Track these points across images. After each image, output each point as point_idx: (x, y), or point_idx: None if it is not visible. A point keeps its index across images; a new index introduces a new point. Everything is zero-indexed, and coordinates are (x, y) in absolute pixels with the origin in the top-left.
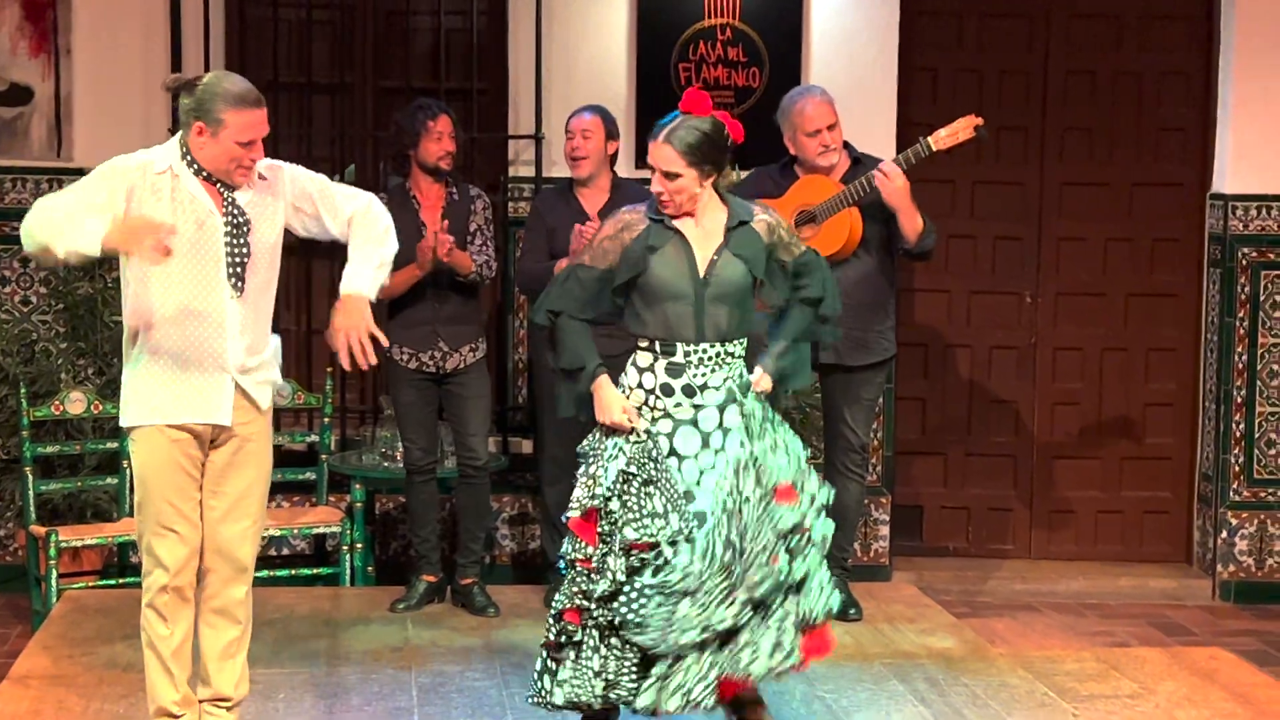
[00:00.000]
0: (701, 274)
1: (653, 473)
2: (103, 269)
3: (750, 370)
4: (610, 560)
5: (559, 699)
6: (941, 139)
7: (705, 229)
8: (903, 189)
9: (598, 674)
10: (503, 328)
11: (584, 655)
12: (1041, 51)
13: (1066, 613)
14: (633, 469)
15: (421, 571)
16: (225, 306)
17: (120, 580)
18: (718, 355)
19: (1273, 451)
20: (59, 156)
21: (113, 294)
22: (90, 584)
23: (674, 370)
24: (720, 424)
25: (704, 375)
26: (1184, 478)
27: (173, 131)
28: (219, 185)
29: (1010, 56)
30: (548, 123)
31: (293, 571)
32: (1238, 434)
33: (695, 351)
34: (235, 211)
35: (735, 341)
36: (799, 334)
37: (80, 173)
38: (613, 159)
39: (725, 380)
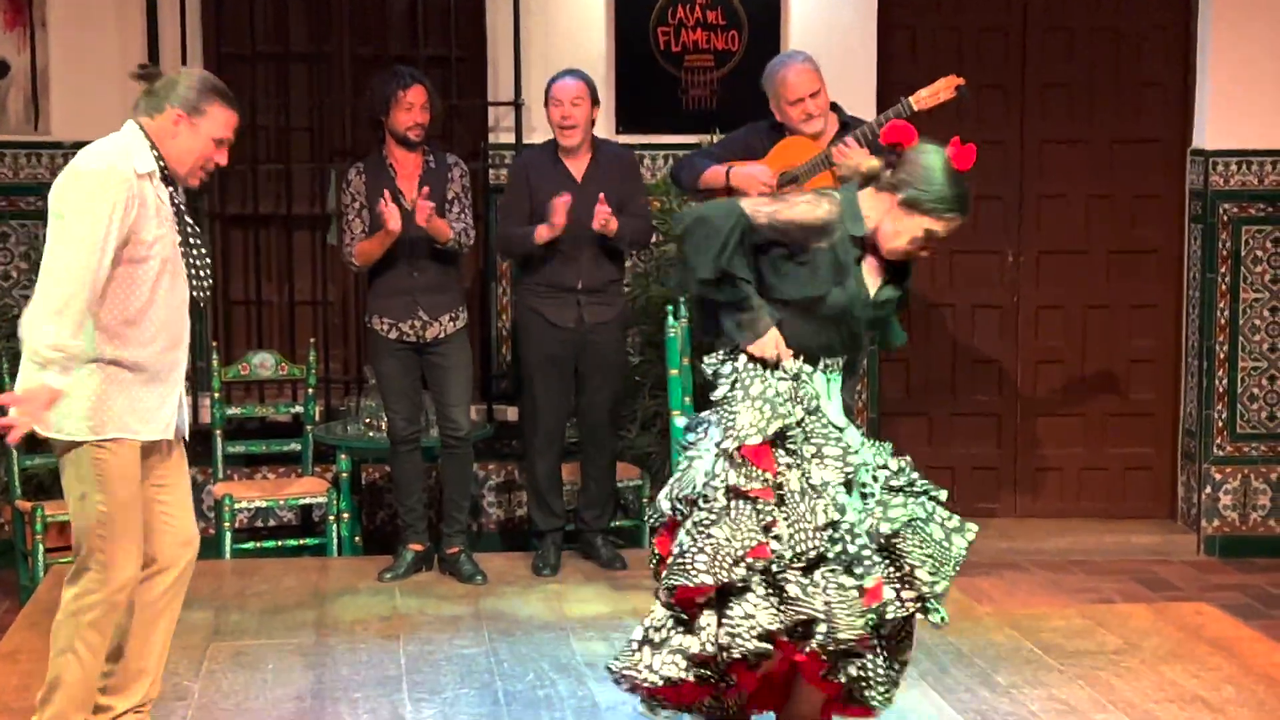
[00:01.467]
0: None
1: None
2: None
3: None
4: (819, 490)
5: (673, 668)
6: (922, 99)
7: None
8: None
9: (777, 614)
10: (486, 295)
11: (747, 601)
12: (1020, 8)
13: (1052, 570)
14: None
15: (408, 541)
16: (186, 318)
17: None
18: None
19: (1255, 406)
20: (36, 130)
21: None
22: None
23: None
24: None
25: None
26: (1167, 434)
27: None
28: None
29: (989, 14)
30: (527, 89)
31: (279, 543)
32: (1220, 389)
33: (829, 362)
34: (184, 212)
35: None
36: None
37: (57, 146)
38: (592, 123)
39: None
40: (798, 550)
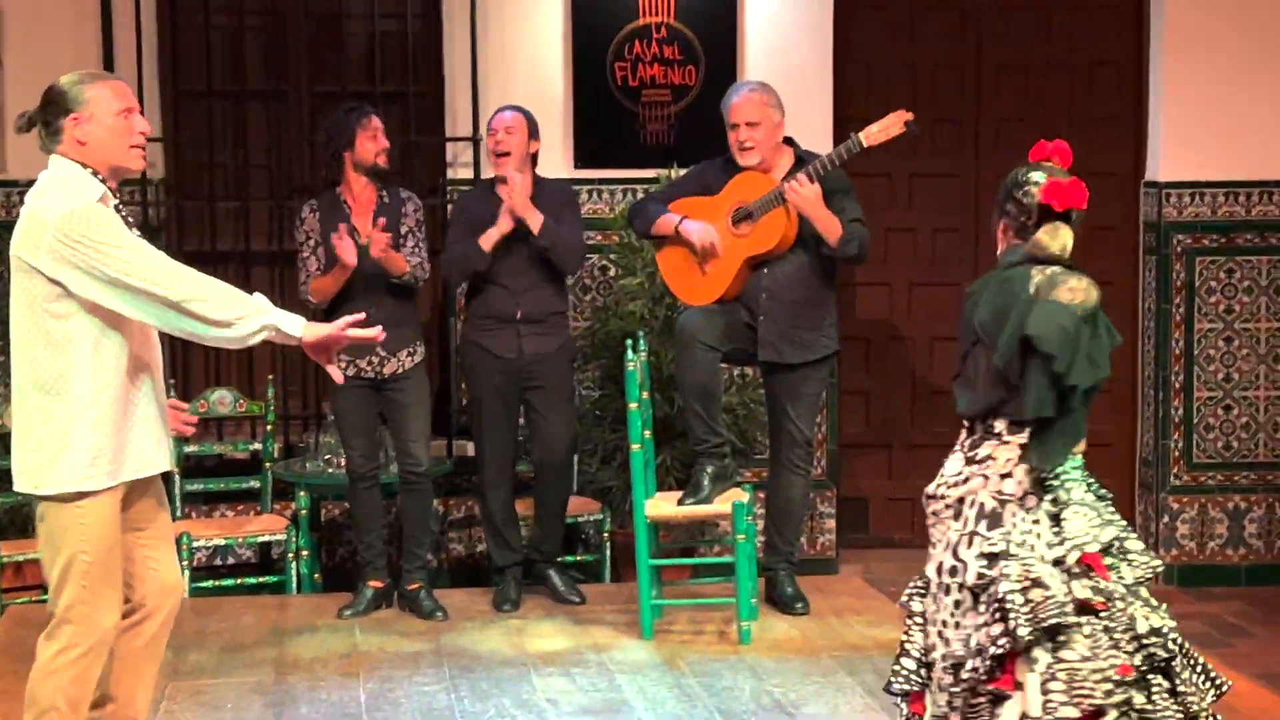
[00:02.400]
0: None
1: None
2: None
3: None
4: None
5: None
6: (872, 135)
7: None
8: (812, 198)
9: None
10: (445, 330)
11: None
12: (974, 44)
13: None
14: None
15: (368, 577)
16: (157, 341)
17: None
18: None
19: (1211, 436)
20: None
21: None
22: (34, 598)
23: None
24: None
25: None
26: (1125, 464)
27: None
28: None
29: (943, 49)
30: (484, 125)
31: (238, 580)
32: (1177, 420)
33: None
34: (132, 226)
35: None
36: None
37: (14, 184)
38: (534, 159)
39: None
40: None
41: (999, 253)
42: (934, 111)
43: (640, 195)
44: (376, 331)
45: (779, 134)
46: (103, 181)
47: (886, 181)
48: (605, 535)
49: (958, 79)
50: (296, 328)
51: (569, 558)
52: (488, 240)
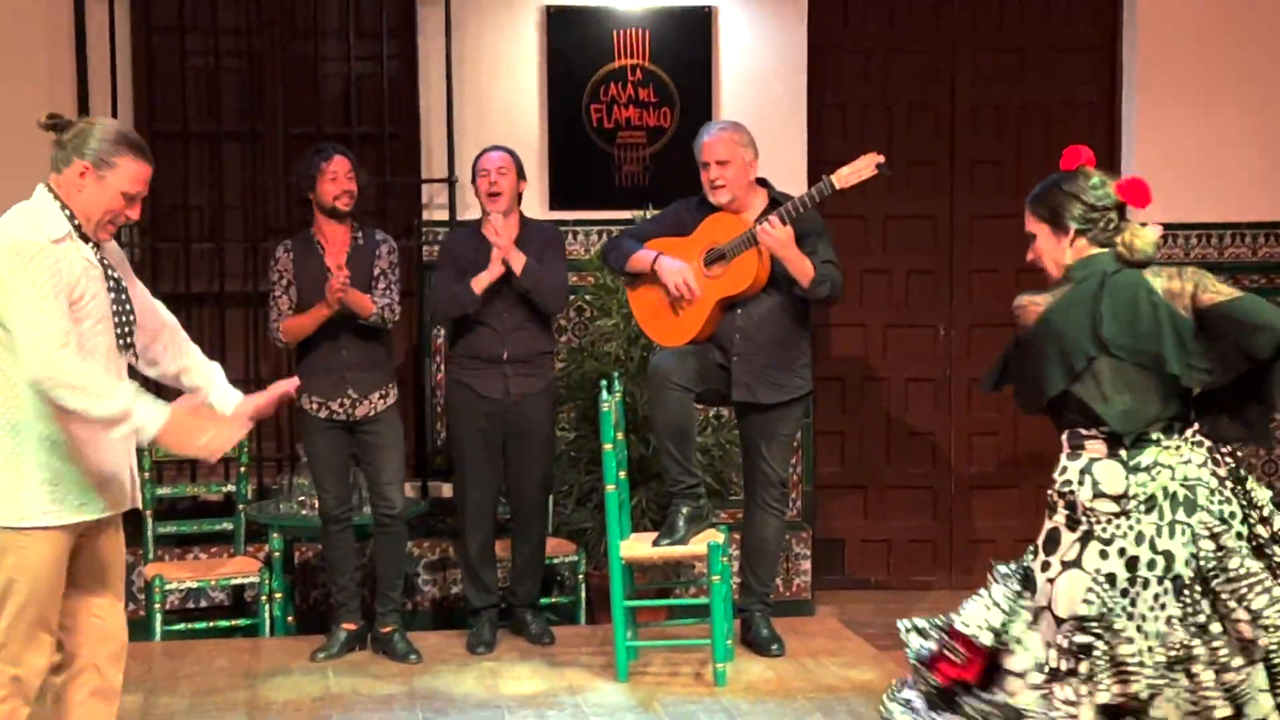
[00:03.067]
0: None
1: None
2: None
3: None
4: None
5: None
6: (844, 177)
7: None
8: (784, 240)
9: None
10: (420, 371)
11: None
12: (948, 87)
13: None
14: None
15: (342, 620)
16: (124, 374)
17: None
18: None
19: None
20: None
21: None
22: None
23: None
24: None
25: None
26: None
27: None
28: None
29: (918, 92)
30: (460, 166)
31: (210, 623)
32: None
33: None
34: (108, 267)
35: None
36: None
37: None
38: (519, 199)
39: None
40: None
41: (1064, 265)
42: (909, 153)
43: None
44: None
45: (751, 173)
46: (77, 226)
47: (862, 223)
48: (580, 577)
49: (932, 120)
50: (156, 424)
51: (544, 599)
52: (479, 283)
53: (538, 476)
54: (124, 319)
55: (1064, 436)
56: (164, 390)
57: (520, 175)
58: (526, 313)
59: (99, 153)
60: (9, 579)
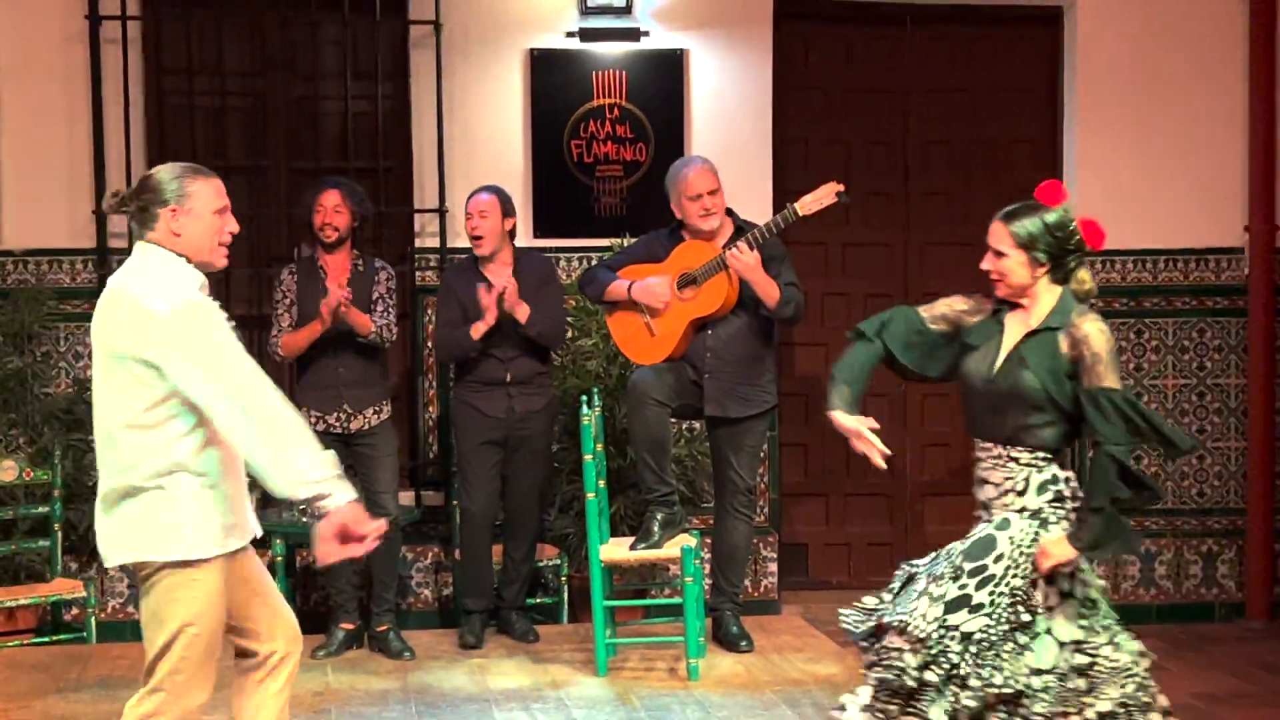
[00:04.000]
0: (994, 370)
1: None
2: (31, 344)
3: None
4: None
5: None
6: (807, 204)
7: (1025, 325)
8: (753, 264)
9: None
10: (414, 388)
11: None
12: (902, 123)
13: None
14: None
15: (339, 620)
16: None
17: (54, 638)
18: (998, 457)
19: None
20: None
21: (40, 367)
22: (25, 642)
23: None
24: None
25: (984, 471)
26: None
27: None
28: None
29: (875, 128)
30: (451, 197)
31: None
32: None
33: (983, 446)
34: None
35: (1021, 448)
36: (1099, 494)
37: (8, 254)
38: (511, 234)
39: (1004, 481)
40: None
41: (1029, 292)
42: (866, 185)
43: (595, 262)
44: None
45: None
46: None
47: (823, 250)
48: (563, 579)
49: (887, 155)
50: (341, 500)
51: (529, 600)
52: (477, 332)
53: (534, 487)
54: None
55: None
56: None
57: (506, 213)
58: (526, 342)
59: (173, 192)
60: (176, 615)
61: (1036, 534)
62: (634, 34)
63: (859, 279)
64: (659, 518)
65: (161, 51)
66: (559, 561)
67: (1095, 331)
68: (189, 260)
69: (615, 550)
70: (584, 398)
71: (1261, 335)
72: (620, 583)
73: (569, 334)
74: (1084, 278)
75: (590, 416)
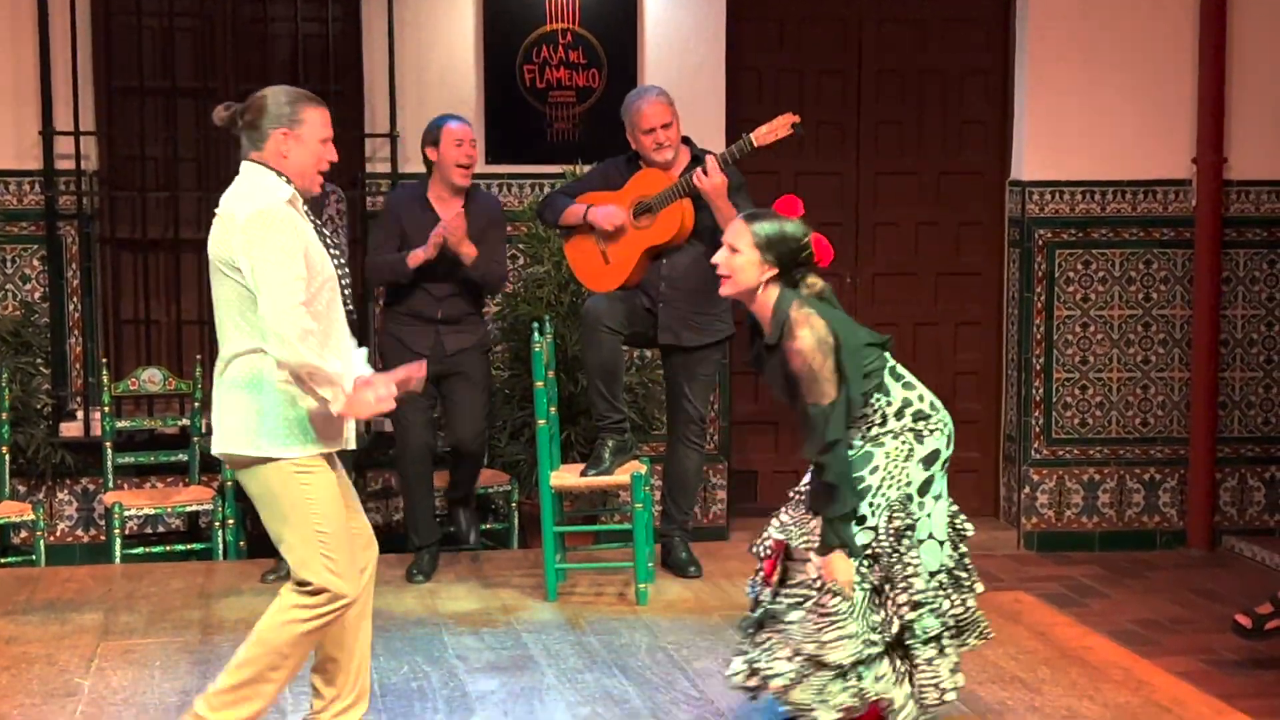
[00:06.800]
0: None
1: None
2: None
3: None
4: None
5: None
6: (762, 135)
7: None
8: (719, 186)
9: None
10: (363, 315)
11: None
12: (855, 53)
13: None
14: None
15: None
16: (346, 330)
17: (2, 560)
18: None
19: (1069, 414)
20: None
21: None
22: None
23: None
24: None
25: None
26: (990, 439)
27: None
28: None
29: (827, 58)
30: (402, 122)
31: (167, 548)
32: (1037, 399)
33: None
34: (323, 232)
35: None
36: (823, 506)
37: None
38: None
39: (862, 425)
40: None
41: (752, 292)
42: (818, 114)
43: (548, 189)
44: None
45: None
46: (293, 188)
47: (775, 178)
48: (513, 505)
49: (840, 85)
50: (337, 405)
51: (480, 526)
52: (414, 260)
53: (473, 422)
54: (343, 277)
55: None
56: None
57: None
58: (461, 280)
59: (288, 115)
60: (299, 515)
61: (911, 447)
62: None
63: (811, 209)
64: (610, 444)
65: None
66: (510, 488)
67: (807, 345)
68: (291, 180)
69: (566, 477)
70: (535, 325)
71: (1207, 267)
72: (570, 509)
73: (521, 261)
74: (813, 281)
75: (541, 344)
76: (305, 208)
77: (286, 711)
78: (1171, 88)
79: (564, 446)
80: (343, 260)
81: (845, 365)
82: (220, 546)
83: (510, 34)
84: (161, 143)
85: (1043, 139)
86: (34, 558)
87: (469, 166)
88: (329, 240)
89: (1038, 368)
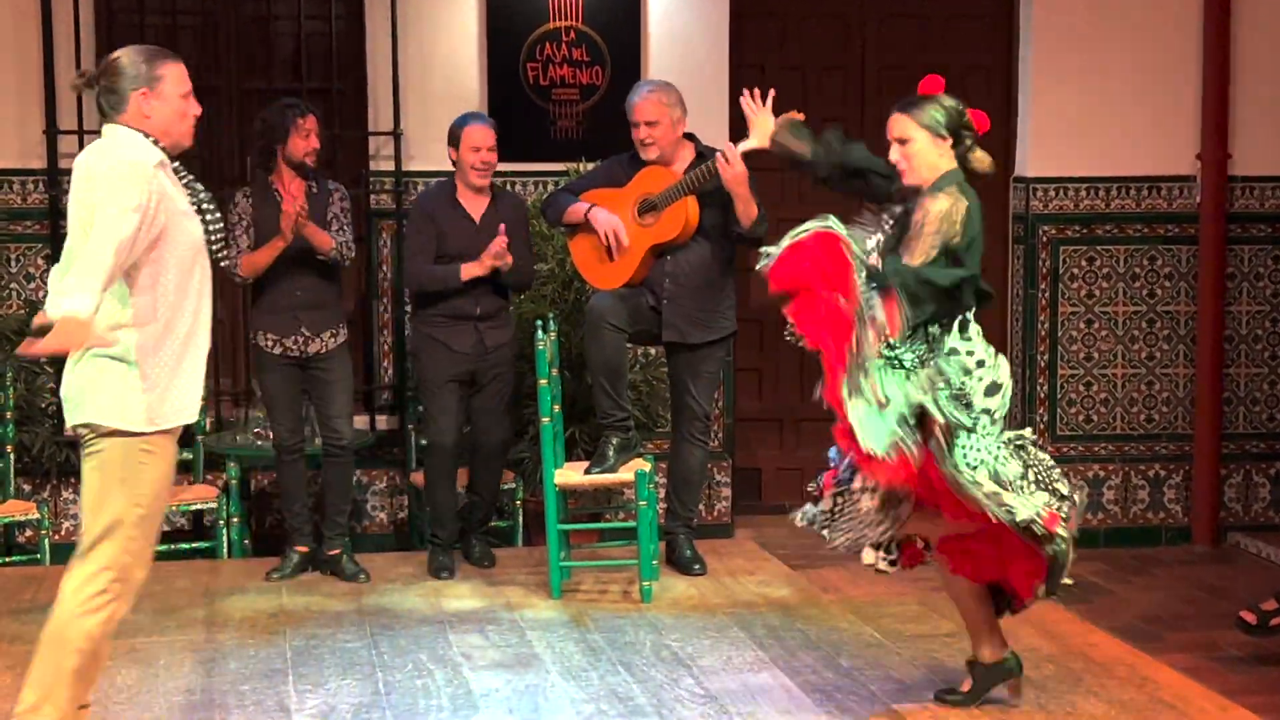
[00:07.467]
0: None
1: None
2: None
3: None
4: None
5: None
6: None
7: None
8: (742, 175)
9: None
10: (369, 313)
11: None
12: (858, 50)
13: None
14: None
15: (294, 543)
16: (211, 293)
17: (7, 559)
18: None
19: (1073, 410)
20: None
21: None
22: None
23: None
24: None
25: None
26: None
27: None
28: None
29: (830, 54)
30: (405, 120)
31: (172, 546)
32: (1042, 395)
33: None
34: (189, 186)
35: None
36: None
37: None
38: None
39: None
40: None
41: (939, 170)
42: (821, 111)
43: (551, 187)
44: None
45: (679, 130)
46: (162, 149)
47: (779, 175)
48: (518, 503)
49: (842, 82)
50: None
51: (491, 553)
52: (467, 274)
53: (502, 418)
54: (215, 241)
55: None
56: None
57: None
58: (491, 275)
59: (145, 75)
60: (122, 490)
61: (964, 381)
62: None
63: (816, 206)
64: (614, 442)
65: None
66: (514, 485)
67: (934, 208)
68: (158, 141)
69: (570, 474)
70: (539, 322)
71: (1212, 263)
72: (575, 507)
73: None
74: (980, 157)
75: (546, 341)
76: (183, 178)
77: (290, 710)
78: (1175, 83)
79: (568, 444)
80: (351, 250)
81: (965, 256)
82: (225, 545)
83: (513, 31)
84: None
85: (1046, 135)
86: (39, 557)
87: (486, 170)
88: (335, 231)
89: (1042, 364)
